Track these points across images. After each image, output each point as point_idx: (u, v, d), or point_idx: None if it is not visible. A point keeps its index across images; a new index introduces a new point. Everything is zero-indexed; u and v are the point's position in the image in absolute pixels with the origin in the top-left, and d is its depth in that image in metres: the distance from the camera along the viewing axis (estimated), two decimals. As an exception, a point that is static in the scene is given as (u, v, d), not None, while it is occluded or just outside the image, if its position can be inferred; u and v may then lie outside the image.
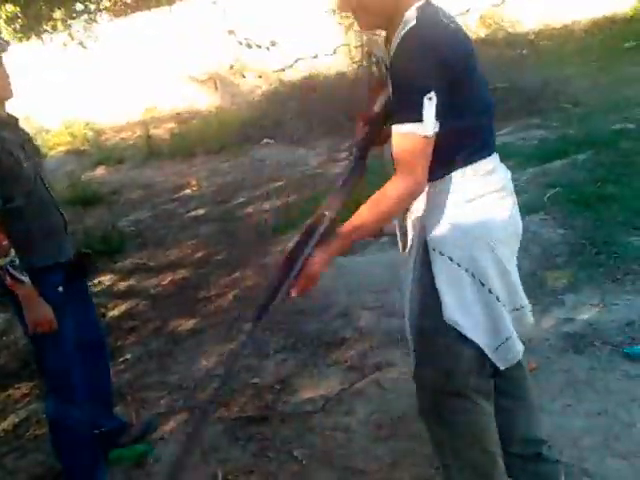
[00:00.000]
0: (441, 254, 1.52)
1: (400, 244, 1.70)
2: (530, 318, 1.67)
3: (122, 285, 4.41)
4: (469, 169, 1.50)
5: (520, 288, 1.62)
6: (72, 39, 7.98)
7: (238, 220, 5.22)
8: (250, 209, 5.44)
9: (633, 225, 3.33)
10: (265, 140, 7.58)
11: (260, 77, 9.80)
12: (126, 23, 11.46)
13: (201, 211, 5.71)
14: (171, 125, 9.90)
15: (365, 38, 8.30)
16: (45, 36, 8.03)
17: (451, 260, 1.51)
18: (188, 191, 6.49)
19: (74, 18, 7.93)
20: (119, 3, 11.79)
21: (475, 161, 1.51)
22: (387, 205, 1.45)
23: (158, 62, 11.05)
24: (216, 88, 11.15)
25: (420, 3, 1.43)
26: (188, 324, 3.58)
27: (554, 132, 5.42)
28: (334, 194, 1.55)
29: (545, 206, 3.81)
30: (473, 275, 1.51)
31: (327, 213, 1.51)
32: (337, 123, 6.75)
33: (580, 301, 2.82)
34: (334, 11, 8.93)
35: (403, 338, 2.75)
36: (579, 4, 10.19)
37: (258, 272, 4.05)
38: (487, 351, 1.54)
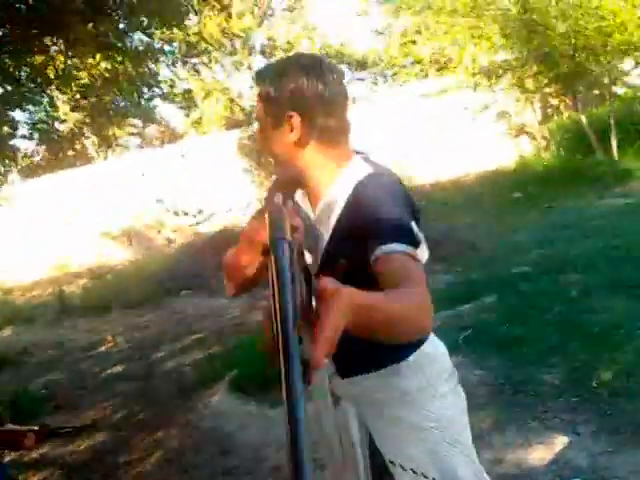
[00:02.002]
0: (402, 468, 1.35)
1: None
2: None
3: (34, 453, 4.10)
4: (421, 351, 1.37)
5: (483, 471, 1.48)
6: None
7: (158, 376, 5.08)
8: (170, 364, 5.32)
9: (545, 363, 3.55)
10: (184, 292, 7.60)
11: (175, 231, 10.00)
12: (37, 183, 11.58)
13: (118, 369, 5.52)
14: (84, 281, 9.74)
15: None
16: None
17: (415, 473, 1.35)
18: (104, 348, 6.29)
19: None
20: (30, 164, 11.94)
21: (425, 340, 1.37)
22: (415, 306, 1.00)
23: (69, 220, 11.10)
24: (130, 243, 11.22)
25: (359, 157, 1.35)
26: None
27: (459, 277, 5.79)
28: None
29: (460, 348, 4.00)
30: None
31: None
32: (255, 274, 6.91)
33: (506, 441, 2.91)
34: (246, 170, 9.48)
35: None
36: (467, 159, 11.36)
37: (182, 430, 3.91)
38: None
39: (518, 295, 4.80)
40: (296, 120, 1.26)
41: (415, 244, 1.13)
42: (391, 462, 1.36)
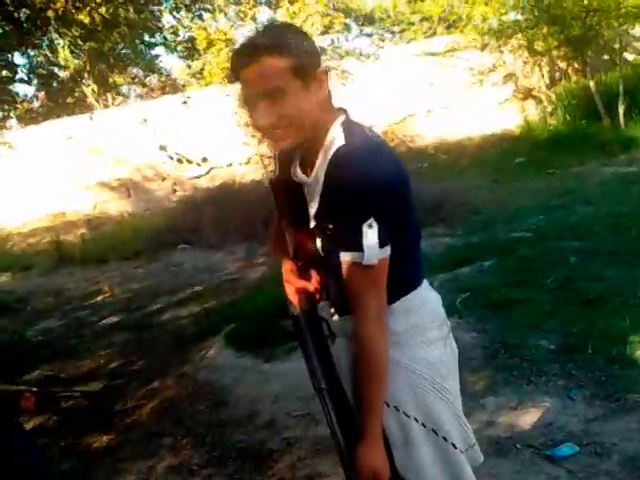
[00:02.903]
0: (386, 404, 1.39)
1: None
2: (480, 456, 1.58)
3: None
4: (403, 302, 1.42)
5: (467, 422, 1.53)
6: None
7: (154, 327, 5.10)
8: (167, 316, 5.34)
9: (540, 327, 3.55)
10: (181, 245, 7.58)
11: (175, 184, 9.93)
12: (38, 130, 11.43)
13: (115, 319, 5.54)
14: (82, 231, 9.71)
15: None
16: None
17: (397, 409, 1.41)
18: (101, 298, 6.31)
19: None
20: (29, 110, 11.78)
21: (408, 293, 1.43)
22: (378, 354, 1.33)
23: (68, 169, 11.00)
24: (129, 194, 11.15)
25: (342, 119, 1.37)
26: (103, 440, 3.38)
27: (460, 240, 5.78)
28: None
29: (458, 310, 4.00)
30: (424, 424, 1.41)
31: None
32: (254, 228, 6.89)
33: (500, 404, 2.93)
34: (247, 124, 9.34)
35: (330, 448, 2.78)
36: (471, 121, 11.21)
37: (177, 381, 3.94)
38: None
39: (517, 259, 4.78)
40: (323, 76, 1.32)
41: (360, 249, 1.28)
42: None
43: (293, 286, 1.51)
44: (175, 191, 9.20)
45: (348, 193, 1.26)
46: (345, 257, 1.31)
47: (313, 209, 1.39)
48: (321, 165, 1.35)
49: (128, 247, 7.82)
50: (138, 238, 8.05)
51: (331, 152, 1.33)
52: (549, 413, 2.79)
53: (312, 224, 1.41)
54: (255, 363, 3.99)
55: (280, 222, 1.58)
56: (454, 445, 1.43)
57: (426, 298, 1.49)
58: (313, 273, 1.49)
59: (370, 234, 1.27)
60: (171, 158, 6.02)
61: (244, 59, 1.27)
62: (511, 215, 6.24)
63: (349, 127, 1.35)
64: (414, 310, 1.44)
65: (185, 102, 7.75)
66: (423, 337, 1.43)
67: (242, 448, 3.01)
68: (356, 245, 1.28)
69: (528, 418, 2.78)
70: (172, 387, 3.89)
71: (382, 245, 1.28)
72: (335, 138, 1.33)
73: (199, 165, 6.25)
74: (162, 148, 5.85)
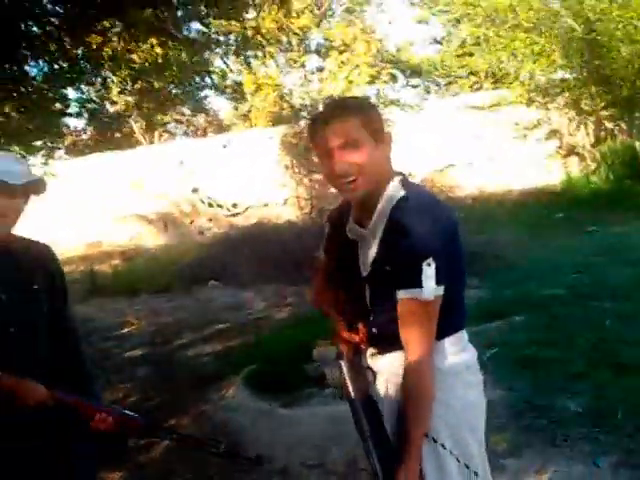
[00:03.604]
0: (425, 435, 1.50)
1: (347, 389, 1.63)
2: None
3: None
4: (452, 338, 1.54)
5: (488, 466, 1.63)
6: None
7: (177, 363, 5.07)
8: (190, 352, 5.32)
9: (570, 390, 3.40)
10: (212, 282, 7.61)
11: (211, 221, 10.04)
12: (83, 162, 11.78)
13: (139, 352, 5.54)
14: (116, 262, 9.87)
15: (315, 193, 8.75)
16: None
17: (435, 442, 1.51)
18: (127, 330, 6.34)
19: (32, 153, 8.12)
20: (77, 143, 12.19)
21: (452, 333, 1.55)
22: (425, 389, 1.47)
23: (110, 200, 11.27)
24: (165, 229, 11.33)
25: (400, 177, 1.55)
26: (115, 477, 3.34)
27: (491, 293, 5.64)
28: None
29: (485, 366, 3.87)
30: (458, 459, 1.51)
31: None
32: (285, 269, 6.88)
33: (521, 467, 2.79)
34: (287, 167, 9.47)
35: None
36: (512, 176, 11.13)
37: (195, 420, 3.89)
38: None
39: (549, 317, 4.63)
40: (389, 137, 1.54)
41: (419, 285, 1.42)
42: None
43: (340, 338, 1.66)
44: (201, 233, 9.28)
45: (411, 236, 1.43)
46: (404, 295, 1.45)
47: (369, 257, 1.54)
48: (381, 215, 1.52)
49: (160, 280, 7.89)
50: (170, 272, 8.12)
51: (393, 202, 1.50)
52: (572, 479, 2.64)
53: (365, 273, 1.55)
54: (273, 407, 3.91)
55: (325, 278, 1.74)
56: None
57: (466, 343, 1.61)
58: (360, 326, 1.61)
59: (429, 272, 1.41)
60: (202, 202, 6.08)
61: (330, 115, 1.50)
62: (546, 271, 6.09)
63: (407, 182, 1.55)
64: (456, 350, 1.55)
65: (225, 146, 7.90)
66: (464, 379, 1.55)
67: (251, 495, 2.92)
68: (416, 282, 1.42)
69: (552, 484, 2.64)
70: (188, 426, 3.83)
71: (438, 283, 1.42)
72: (395, 191, 1.51)
73: (229, 210, 6.29)
74: (194, 190, 5.92)
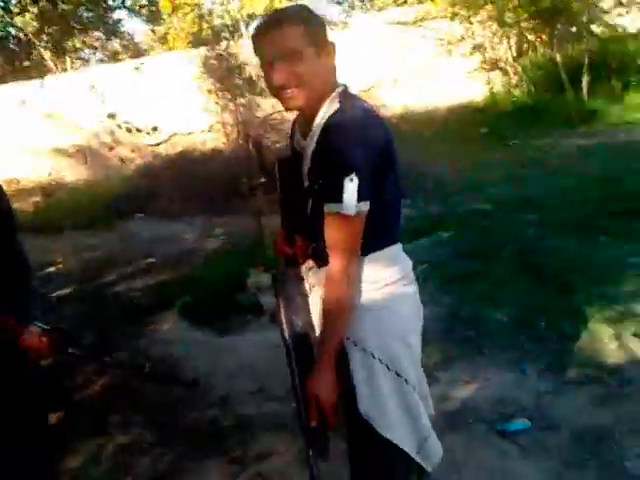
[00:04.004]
0: (354, 344, 1.53)
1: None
2: (431, 409, 1.71)
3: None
4: (378, 254, 1.54)
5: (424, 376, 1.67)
6: None
7: (108, 299, 4.96)
8: (121, 287, 5.20)
9: (496, 301, 3.55)
10: (137, 215, 7.39)
11: (133, 151, 9.65)
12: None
13: (67, 290, 5.37)
14: (36, 199, 9.40)
15: (241, 118, 8.49)
16: None
17: (364, 351, 1.52)
18: (53, 269, 6.11)
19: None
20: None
21: (384, 247, 1.55)
22: (348, 298, 1.49)
23: (22, 134, 10.60)
24: (85, 161, 10.82)
25: (341, 89, 1.53)
26: (50, 418, 3.28)
27: (419, 211, 5.73)
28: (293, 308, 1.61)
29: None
30: (388, 367, 1.52)
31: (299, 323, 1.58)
32: (213, 199, 6.75)
33: (453, 378, 2.91)
34: (210, 91, 9.10)
35: (283, 424, 2.73)
36: (438, 92, 11.14)
37: (130, 356, 3.84)
38: (410, 453, 1.55)
39: (476, 232, 4.77)
40: (332, 47, 1.52)
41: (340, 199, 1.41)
42: (347, 338, 1.53)
43: (278, 251, 1.73)
44: (123, 162, 8.94)
45: (335, 150, 1.42)
46: (327, 208, 1.45)
47: (306, 167, 1.54)
48: (317, 127, 1.50)
49: (83, 216, 7.57)
50: (93, 207, 7.81)
51: (327, 116, 1.49)
52: (502, 387, 2.79)
53: (305, 183, 1.56)
54: (210, 337, 3.91)
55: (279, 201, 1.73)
56: (414, 388, 1.55)
57: (399, 256, 1.61)
58: (298, 239, 1.64)
59: (350, 187, 1.39)
60: (119, 127, 5.79)
61: (269, 26, 1.47)
62: (472, 186, 6.22)
63: (346, 94, 1.52)
64: (388, 263, 1.55)
65: (137, 68, 7.47)
66: (396, 290, 1.55)
67: (194, 426, 2.93)
68: (338, 197, 1.41)
69: (481, 393, 2.78)
70: (125, 359, 3.78)
71: (361, 199, 1.41)
72: (332, 103, 1.50)
73: (149, 134, 6.02)
74: (110, 116, 5.62)
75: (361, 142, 1.42)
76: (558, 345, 3.03)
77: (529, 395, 2.71)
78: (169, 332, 4.13)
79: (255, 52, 1.52)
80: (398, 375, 1.53)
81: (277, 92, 1.49)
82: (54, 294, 5.33)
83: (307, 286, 1.66)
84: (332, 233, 1.47)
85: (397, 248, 1.61)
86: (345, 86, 1.55)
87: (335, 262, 1.47)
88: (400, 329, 1.55)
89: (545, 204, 5.14)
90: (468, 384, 2.86)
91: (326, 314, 1.50)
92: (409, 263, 1.65)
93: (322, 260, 1.56)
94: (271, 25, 1.48)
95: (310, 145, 1.52)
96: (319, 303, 1.57)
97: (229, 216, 6.39)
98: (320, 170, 1.48)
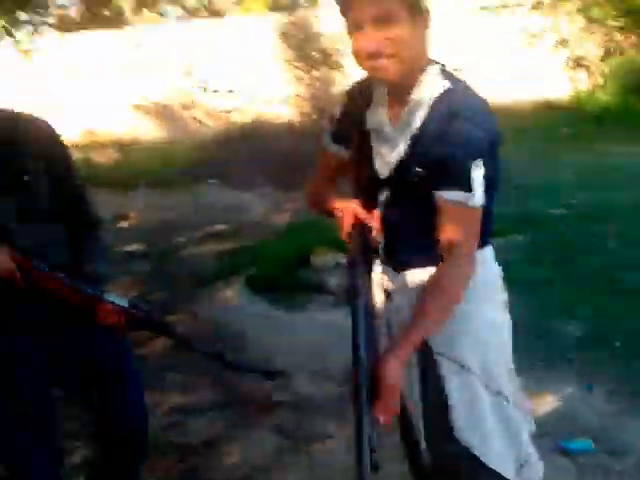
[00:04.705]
0: (449, 359, 1.39)
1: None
2: (533, 425, 1.54)
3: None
4: (485, 250, 1.42)
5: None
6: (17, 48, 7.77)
7: (175, 261, 5.07)
8: (189, 251, 5.31)
9: (570, 312, 3.44)
10: (211, 180, 7.49)
11: (209, 115, 9.77)
12: (74, 38, 11.21)
13: (137, 247, 5.52)
14: (111, 152, 9.64)
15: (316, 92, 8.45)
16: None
17: (462, 367, 1.38)
18: (126, 224, 6.29)
19: (18, 28, 7.74)
20: (65, 20, 11.56)
21: (488, 245, 1.45)
22: (455, 293, 1.30)
23: (102, 84, 10.82)
24: (162, 120, 11.02)
25: (439, 66, 1.36)
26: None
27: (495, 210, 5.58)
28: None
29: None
30: (487, 385, 1.39)
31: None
32: (284, 174, 6.76)
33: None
34: (286, 60, 9.06)
35: (339, 408, 2.74)
36: (519, 86, 10.79)
37: (193, 319, 3.92)
38: (508, 477, 1.43)
39: (553, 237, 4.62)
40: (428, 15, 1.30)
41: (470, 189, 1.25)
42: (439, 354, 1.39)
43: (351, 215, 1.43)
44: (200, 122, 9.00)
45: (460, 133, 1.26)
46: (450, 196, 1.26)
47: (394, 156, 1.36)
48: (417, 106, 1.32)
49: (158, 175, 7.74)
50: (169, 168, 7.96)
51: (434, 93, 1.31)
52: (567, 404, 2.71)
53: (384, 174, 1.38)
54: (272, 310, 3.95)
55: (324, 174, 1.59)
56: (515, 406, 1.43)
57: (494, 261, 1.49)
58: (375, 212, 1.42)
59: (478, 175, 1.25)
60: (196, 87, 5.81)
61: None
62: (551, 189, 6.02)
63: (448, 73, 1.35)
64: (489, 265, 1.44)
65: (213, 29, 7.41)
66: (493, 296, 1.45)
67: (250, 396, 2.98)
68: (464, 185, 1.24)
69: (546, 405, 2.70)
70: (189, 324, 3.86)
71: (485, 190, 1.26)
72: (435, 81, 1.32)
73: (223, 97, 6.02)
74: (187, 74, 5.64)
75: (487, 128, 1.28)
76: (631, 366, 2.92)
77: (596, 415, 2.62)
78: (232, 300, 4.19)
79: (342, 12, 1.32)
80: (499, 394, 1.41)
81: (365, 61, 1.30)
82: (123, 248, 5.48)
83: (378, 292, 1.48)
84: (454, 225, 1.28)
85: (491, 249, 1.48)
86: (441, 64, 1.37)
87: (457, 252, 1.28)
88: (498, 340, 1.44)
89: (627, 215, 4.92)
90: (531, 395, 2.78)
91: (430, 300, 1.27)
92: (500, 269, 1.51)
93: (401, 262, 1.42)
94: None
95: (410, 125, 1.33)
96: (400, 311, 1.42)
97: (300, 192, 6.41)
98: (433, 155, 1.29)
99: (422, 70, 1.33)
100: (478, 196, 1.25)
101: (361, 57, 1.30)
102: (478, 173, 1.24)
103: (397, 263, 1.45)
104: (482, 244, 1.39)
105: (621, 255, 4.17)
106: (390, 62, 1.27)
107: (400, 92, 1.34)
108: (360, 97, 1.43)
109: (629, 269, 3.90)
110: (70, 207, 1.78)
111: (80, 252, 1.79)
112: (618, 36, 10.97)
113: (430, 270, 1.35)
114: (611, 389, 2.78)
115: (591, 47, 11.05)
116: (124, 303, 1.71)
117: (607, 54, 11.04)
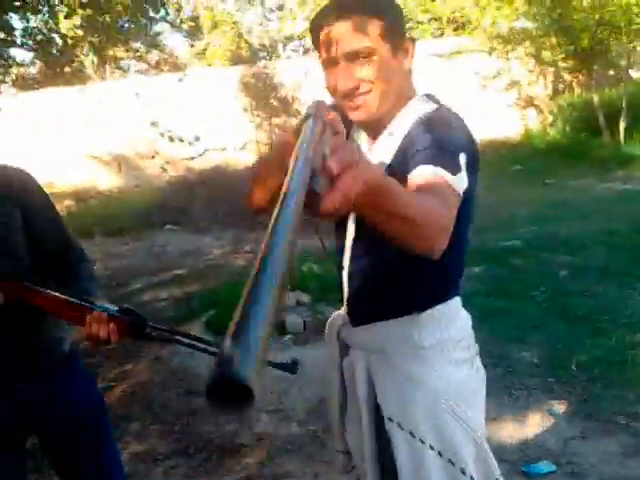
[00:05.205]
0: (400, 427, 1.25)
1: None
2: None
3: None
4: (441, 307, 1.29)
5: (491, 454, 1.32)
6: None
7: (134, 307, 4.97)
8: (146, 297, 5.23)
9: (525, 341, 3.49)
10: (168, 226, 7.46)
11: (168, 163, 9.79)
12: (36, 96, 11.23)
13: (93, 295, 5.41)
14: (69, 203, 9.55)
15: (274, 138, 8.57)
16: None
17: (413, 435, 1.24)
18: (81, 273, 6.18)
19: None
20: (26, 78, 11.55)
21: (450, 298, 1.32)
22: (441, 215, 0.96)
23: (64, 138, 10.81)
24: (120, 169, 10.99)
25: (425, 93, 1.27)
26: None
27: (450, 243, 5.69)
28: None
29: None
30: (440, 453, 1.24)
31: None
32: (243, 216, 6.78)
33: (478, 415, 2.86)
34: (245, 109, 9.25)
35: (300, 447, 2.70)
36: (472, 126, 11.13)
37: (151, 365, 3.85)
38: None
39: (506, 269, 4.72)
40: (410, 44, 1.21)
41: (455, 172, 1.05)
42: (389, 419, 1.27)
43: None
44: (164, 170, 9.03)
45: (445, 129, 1.14)
46: (430, 169, 1.04)
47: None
48: (401, 126, 1.21)
49: (114, 223, 7.68)
50: (125, 215, 7.91)
51: (419, 114, 1.20)
52: (528, 428, 2.73)
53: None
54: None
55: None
56: (472, 478, 1.26)
57: (458, 313, 1.35)
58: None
59: (463, 162, 1.08)
60: (162, 135, 5.85)
61: (332, 15, 1.14)
62: (503, 223, 6.17)
63: (435, 99, 1.26)
64: (446, 323, 1.29)
65: (181, 80, 7.59)
66: (450, 356, 1.28)
67: (211, 440, 2.92)
68: (448, 163, 1.05)
69: (506, 431, 2.72)
70: (145, 371, 3.80)
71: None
72: (421, 104, 1.23)
73: (190, 144, 6.07)
74: (153, 124, 5.69)
75: (472, 139, 1.17)
76: (588, 389, 2.96)
77: (556, 438, 2.65)
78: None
79: (314, 44, 1.21)
80: (452, 464, 1.25)
81: (340, 99, 1.19)
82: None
83: (334, 349, 1.38)
84: (428, 186, 1.02)
85: (458, 303, 1.34)
86: (429, 93, 1.28)
87: (440, 206, 0.97)
88: (457, 405, 1.26)
89: (577, 247, 5.07)
90: (492, 423, 2.80)
91: (423, 198, 0.97)
92: (468, 320, 1.37)
93: (366, 315, 1.30)
94: (344, 9, 1.15)
95: (393, 140, 1.22)
96: (360, 370, 1.31)
97: (257, 233, 6.43)
98: (411, 159, 1.11)
99: (408, 99, 1.24)
100: (462, 179, 1.06)
101: (334, 95, 1.21)
102: (463, 159, 1.08)
103: (358, 316, 1.35)
104: (440, 298, 1.29)
105: (572, 284, 4.27)
106: (367, 100, 1.17)
107: (377, 124, 1.24)
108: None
109: (579, 296, 4.00)
110: (57, 252, 1.72)
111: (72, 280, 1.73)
112: (566, 76, 11.51)
113: (389, 322, 1.27)
114: (570, 413, 2.81)
115: (541, 87, 11.53)
116: (114, 311, 1.60)
117: (556, 93, 11.54)
